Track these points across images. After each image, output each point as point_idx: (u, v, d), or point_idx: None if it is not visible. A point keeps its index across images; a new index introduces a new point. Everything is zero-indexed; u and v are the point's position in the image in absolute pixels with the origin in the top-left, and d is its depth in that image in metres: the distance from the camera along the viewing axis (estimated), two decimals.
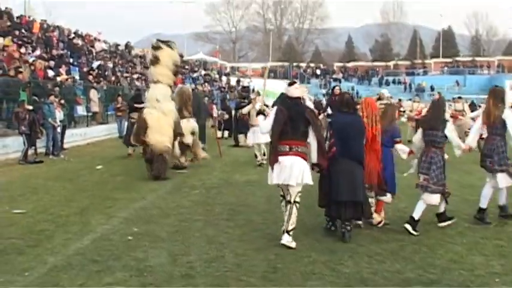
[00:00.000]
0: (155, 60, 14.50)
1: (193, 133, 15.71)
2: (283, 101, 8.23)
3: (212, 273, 6.61)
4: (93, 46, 39.40)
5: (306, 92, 23.03)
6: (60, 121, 19.26)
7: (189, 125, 15.62)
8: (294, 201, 7.91)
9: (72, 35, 37.68)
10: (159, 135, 13.81)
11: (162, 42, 14.86)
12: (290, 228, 7.75)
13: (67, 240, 8.16)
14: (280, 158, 7.80)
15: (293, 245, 7.64)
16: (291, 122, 7.85)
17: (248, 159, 17.47)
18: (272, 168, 7.95)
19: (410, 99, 32.70)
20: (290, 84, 8.28)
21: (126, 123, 21.59)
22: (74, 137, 22.53)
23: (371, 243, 8.01)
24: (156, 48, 14.63)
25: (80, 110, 24.88)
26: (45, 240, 8.13)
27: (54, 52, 30.17)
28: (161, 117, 14.04)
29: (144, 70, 40.36)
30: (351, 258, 7.22)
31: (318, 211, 9.85)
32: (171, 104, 14.61)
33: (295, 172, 7.74)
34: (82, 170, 15.52)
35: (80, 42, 37.22)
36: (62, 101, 20.07)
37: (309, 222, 9.24)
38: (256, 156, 16.47)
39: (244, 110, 19.30)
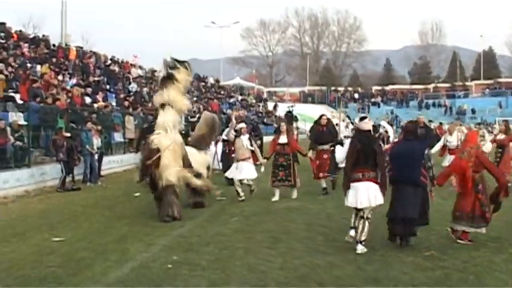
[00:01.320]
0: (170, 81, 13.05)
1: (208, 168, 15.15)
2: (356, 134, 9.87)
3: None
4: (129, 72, 39.99)
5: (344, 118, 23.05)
6: (98, 148, 19.50)
7: (205, 158, 15.24)
8: (367, 217, 9.24)
9: (109, 62, 38.37)
10: (172, 166, 12.48)
11: (179, 62, 13.40)
12: (363, 238, 9.11)
13: (107, 268, 8.24)
14: (354, 184, 9.19)
15: (364, 251, 9.02)
16: (363, 153, 9.19)
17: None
18: (345, 193, 9.46)
19: (452, 123, 32.42)
20: (361, 119, 9.73)
21: None
22: (111, 164, 22.76)
23: (415, 270, 7.92)
24: (172, 67, 13.17)
25: (117, 137, 25.16)
26: (85, 268, 8.22)
27: (91, 79, 30.69)
28: (174, 146, 12.71)
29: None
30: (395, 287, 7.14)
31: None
32: (178, 134, 13.48)
33: (370, 195, 9.12)
34: (120, 197, 15.68)
35: (116, 68, 37.85)
36: (99, 128, 20.32)
37: (350, 250, 9.17)
38: (238, 192, 15.01)
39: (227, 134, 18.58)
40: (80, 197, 16.07)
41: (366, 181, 9.14)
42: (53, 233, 10.72)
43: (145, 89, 36.98)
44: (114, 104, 29.22)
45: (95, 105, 25.19)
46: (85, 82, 29.21)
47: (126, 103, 29.61)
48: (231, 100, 56.47)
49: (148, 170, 12.45)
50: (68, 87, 24.80)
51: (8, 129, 17.32)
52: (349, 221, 10.10)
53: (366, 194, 9.11)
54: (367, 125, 9.56)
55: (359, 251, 8.97)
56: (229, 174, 15.55)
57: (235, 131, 16.03)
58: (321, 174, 15.86)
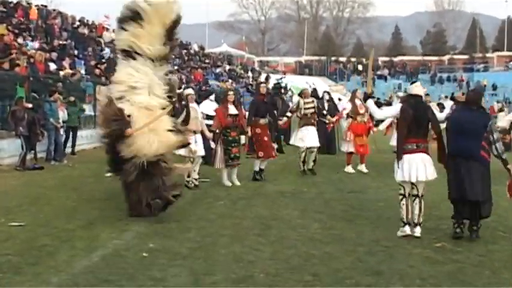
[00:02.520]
0: (135, 17, 10.84)
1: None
2: (407, 98, 10.09)
3: None
4: (101, 36, 39.77)
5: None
6: (64, 122, 19.44)
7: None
8: (422, 195, 9.54)
9: (77, 23, 38.10)
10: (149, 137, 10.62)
11: None
12: (421, 220, 9.44)
13: (73, 257, 8.22)
14: (408, 156, 9.38)
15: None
16: (415, 120, 9.39)
17: (280, 167, 17.48)
18: (398, 165, 9.54)
19: None
20: (412, 83, 10.10)
21: None
22: (80, 140, 22.64)
23: (424, 264, 7.98)
24: None
25: (87, 110, 25.01)
26: (47, 257, 8.20)
27: (56, 42, 30.47)
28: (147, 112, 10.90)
29: None
30: (400, 281, 7.19)
31: (360, 227, 9.94)
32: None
33: (427, 168, 9.37)
34: (89, 178, 15.66)
35: (86, 31, 37.60)
36: (73, 99, 20.26)
37: (350, 240, 9.24)
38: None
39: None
40: (42, 177, 16.02)
41: (420, 152, 9.39)
42: (10, 218, 10.68)
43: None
44: (83, 71, 29.08)
45: (61, 72, 25.06)
46: (49, 46, 29.01)
47: (98, 71, 29.47)
48: (218, 70, 56.28)
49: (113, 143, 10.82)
50: (29, 52, 24.59)
51: None
52: (350, 207, 10.21)
53: (423, 167, 9.34)
54: (419, 89, 9.79)
55: (418, 234, 9.29)
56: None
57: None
58: (260, 153, 15.24)
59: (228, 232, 9.67)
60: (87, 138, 23.60)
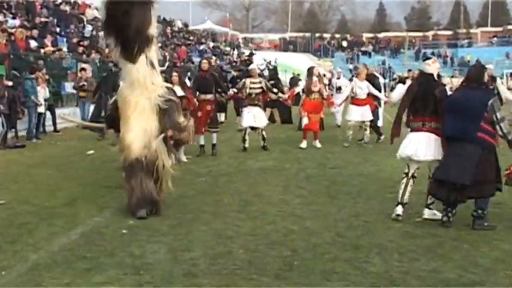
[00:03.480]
0: None
1: None
2: (417, 76, 10.03)
3: (218, 271, 6.64)
4: (83, 13, 39.41)
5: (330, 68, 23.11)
6: (45, 100, 19.34)
7: None
8: (415, 176, 9.38)
9: (59, 1, 37.73)
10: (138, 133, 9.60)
11: None
12: (406, 200, 9.25)
13: (52, 234, 8.22)
14: (413, 134, 9.23)
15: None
16: (421, 98, 9.13)
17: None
18: (391, 142, 9.72)
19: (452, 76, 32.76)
20: (425, 60, 9.91)
21: (90, 108, 20.87)
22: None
23: (403, 238, 8.01)
24: None
25: (69, 87, 24.85)
26: (27, 234, 8.19)
27: (37, 20, 30.19)
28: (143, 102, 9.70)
29: None
30: (378, 255, 7.21)
31: (341, 202, 9.98)
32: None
33: (435, 148, 9.05)
34: (71, 156, 15.60)
35: (67, 8, 37.23)
36: (47, 77, 20.13)
37: (331, 215, 9.26)
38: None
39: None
40: (24, 155, 15.95)
41: (427, 131, 9.11)
42: None
43: (102, 33, 36.39)
44: (65, 49, 28.89)
45: (42, 50, 24.89)
46: (30, 24, 28.77)
47: (80, 49, 29.29)
48: (201, 47, 56.06)
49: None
50: (9, 29, 24.37)
51: None
52: (331, 182, 10.23)
53: (431, 146, 9.06)
54: (430, 67, 9.36)
55: (399, 212, 9.06)
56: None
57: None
58: (202, 129, 15.10)
59: (209, 209, 9.66)
60: (69, 116, 23.41)
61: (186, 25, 63.71)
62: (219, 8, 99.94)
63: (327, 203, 10.08)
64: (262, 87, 16.28)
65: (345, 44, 75.15)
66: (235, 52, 63.56)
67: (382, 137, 17.81)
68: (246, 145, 16.24)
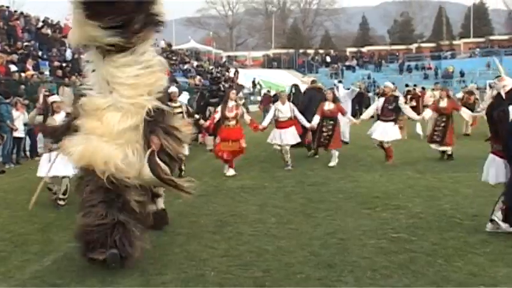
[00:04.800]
0: None
1: None
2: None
3: None
4: (65, 36, 39.30)
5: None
6: (25, 124, 19.23)
7: None
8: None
9: (41, 24, 37.65)
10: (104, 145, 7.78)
11: None
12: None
13: (24, 261, 8.16)
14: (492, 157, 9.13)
15: None
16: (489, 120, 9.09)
17: (243, 162, 17.31)
18: None
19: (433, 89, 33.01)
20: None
21: None
22: (43, 141, 22.42)
23: (377, 255, 7.97)
24: None
25: None
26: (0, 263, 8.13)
27: (19, 44, 30.13)
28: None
29: None
30: (351, 273, 7.19)
31: (318, 220, 9.95)
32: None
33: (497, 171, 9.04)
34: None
35: (49, 32, 37.18)
36: (26, 102, 20.04)
37: (306, 234, 9.21)
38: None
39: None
40: (3, 181, 15.85)
41: (492, 154, 9.11)
42: None
43: (83, 56, 36.21)
44: (47, 73, 28.81)
45: (23, 74, 24.82)
46: (12, 48, 28.71)
47: (60, 72, 29.18)
48: (185, 66, 56.06)
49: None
50: None
51: None
52: (309, 200, 10.18)
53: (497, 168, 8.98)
54: (497, 85, 9.28)
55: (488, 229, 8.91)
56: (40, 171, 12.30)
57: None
58: None
59: (185, 230, 9.61)
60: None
61: (169, 45, 63.67)
62: (203, 27, 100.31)
63: (303, 221, 10.03)
64: (182, 112, 15.21)
65: (328, 59, 75.34)
66: (220, 70, 63.52)
67: None
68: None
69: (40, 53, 31.93)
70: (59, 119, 11.56)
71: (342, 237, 8.94)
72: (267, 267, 7.52)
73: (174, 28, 77.31)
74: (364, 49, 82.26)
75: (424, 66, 71.49)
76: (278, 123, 16.57)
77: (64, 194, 12.13)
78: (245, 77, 60.43)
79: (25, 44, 31.02)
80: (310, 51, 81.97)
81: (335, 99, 17.16)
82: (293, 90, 20.16)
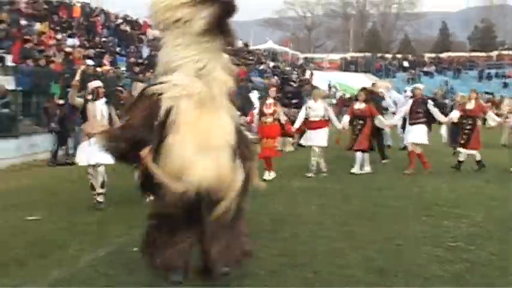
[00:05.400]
0: None
1: None
2: None
3: None
4: (144, 34, 39.93)
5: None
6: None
7: None
8: None
9: (120, 21, 38.34)
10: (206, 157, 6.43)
11: None
12: None
13: (79, 251, 8.29)
14: None
15: None
16: None
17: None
18: None
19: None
20: None
21: None
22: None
23: (431, 263, 7.76)
24: None
25: None
26: (56, 251, 8.29)
27: (97, 40, 30.72)
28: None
29: None
30: (402, 280, 7.01)
31: (377, 224, 9.79)
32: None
33: None
34: (119, 173, 15.64)
35: (128, 28, 37.81)
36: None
37: (361, 236, 9.06)
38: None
39: None
40: (72, 172, 16.04)
41: None
42: (29, 212, 10.79)
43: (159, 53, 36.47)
44: (123, 68, 29.29)
45: (99, 69, 25.25)
46: (90, 43, 29.29)
47: (137, 69, 29.59)
48: (261, 67, 56.14)
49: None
50: (68, 49, 24.82)
51: None
52: (371, 204, 10.05)
53: None
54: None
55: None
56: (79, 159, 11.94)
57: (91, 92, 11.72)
58: None
59: None
60: None
61: (246, 45, 63.93)
62: (281, 28, 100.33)
63: (361, 224, 9.87)
64: None
65: (406, 64, 74.29)
66: (296, 71, 63.37)
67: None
68: None
69: (118, 49, 32.48)
70: (99, 104, 11.49)
71: (399, 242, 8.74)
72: (319, 268, 7.42)
73: (254, 29, 77.75)
74: (443, 55, 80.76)
75: (504, 75, 69.73)
76: (309, 123, 15.84)
77: (102, 186, 11.70)
78: (321, 80, 60.04)
79: (103, 39, 31.59)
80: (388, 56, 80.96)
81: (367, 100, 16.41)
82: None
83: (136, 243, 8.49)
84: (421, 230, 9.46)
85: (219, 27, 6.68)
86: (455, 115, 16.44)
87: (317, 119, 15.66)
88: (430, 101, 16.61)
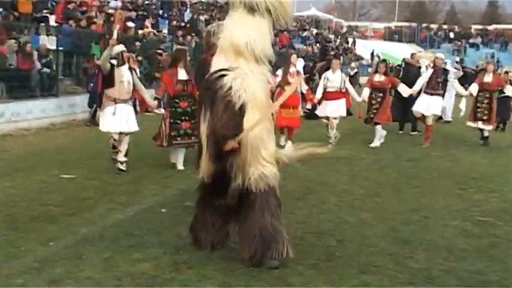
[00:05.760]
0: None
1: None
2: None
3: None
4: None
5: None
6: None
7: None
8: None
9: None
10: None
11: None
12: None
13: (109, 210, 8.45)
14: None
15: None
16: None
17: (347, 132, 16.99)
18: None
19: None
20: None
21: None
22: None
23: (457, 236, 7.75)
24: None
25: None
26: (85, 209, 8.45)
27: (140, 2, 30.80)
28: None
29: None
30: (425, 252, 7.01)
31: (406, 196, 9.78)
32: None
33: None
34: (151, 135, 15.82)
35: None
36: (140, 58, 20.50)
37: (389, 207, 9.08)
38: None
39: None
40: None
41: None
42: (65, 170, 11.00)
43: (202, 17, 36.43)
44: (165, 31, 29.38)
45: (140, 31, 25.39)
46: (133, 5, 29.41)
47: (180, 32, 29.58)
48: (304, 34, 55.84)
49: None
50: (110, 10, 24.96)
51: (35, 53, 17.66)
52: (402, 175, 10.04)
53: None
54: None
55: None
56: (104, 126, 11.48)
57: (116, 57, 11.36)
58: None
59: None
60: None
61: None
62: None
63: (391, 195, 9.88)
64: None
65: (452, 35, 73.15)
66: (339, 39, 62.88)
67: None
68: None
69: (160, 12, 32.53)
70: (124, 69, 11.23)
71: (426, 215, 8.74)
72: (342, 237, 7.46)
73: None
74: (491, 27, 79.23)
75: None
76: (326, 94, 15.48)
77: (126, 155, 11.42)
78: (364, 49, 59.63)
79: (146, 2, 31.66)
80: (434, 26, 79.69)
81: (386, 72, 16.08)
82: (403, 65, 19.70)
83: (165, 205, 8.74)
84: (450, 203, 9.46)
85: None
86: (474, 89, 16.06)
87: (333, 90, 15.42)
88: (451, 71, 16.34)
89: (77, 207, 8.53)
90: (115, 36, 11.03)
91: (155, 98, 12.54)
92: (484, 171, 12.32)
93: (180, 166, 11.75)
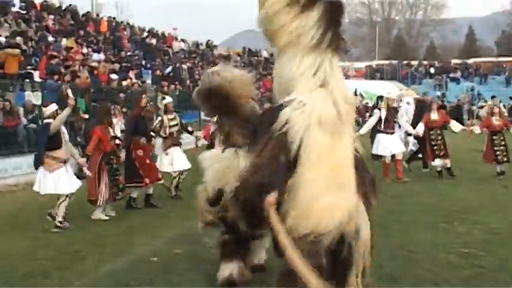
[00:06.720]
0: None
1: None
2: None
3: None
4: (170, 46, 40.31)
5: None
6: (122, 131, 19.90)
7: None
8: None
9: (146, 34, 38.76)
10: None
11: None
12: None
13: (101, 262, 8.57)
14: None
15: None
16: None
17: None
18: None
19: None
20: None
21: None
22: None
23: (442, 269, 7.91)
24: None
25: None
26: (78, 261, 8.59)
27: (123, 54, 31.09)
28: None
29: None
30: (413, 286, 7.19)
31: (392, 232, 9.92)
32: None
33: None
34: None
35: (154, 42, 38.20)
36: (124, 109, 20.72)
37: (376, 245, 9.18)
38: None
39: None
40: None
41: None
42: (53, 224, 11.07)
43: (185, 66, 36.64)
44: (149, 81, 29.64)
45: (124, 83, 25.64)
46: (116, 58, 29.70)
47: (164, 82, 29.77)
48: None
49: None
50: (93, 64, 25.23)
51: (21, 110, 17.85)
52: (387, 212, 10.16)
53: None
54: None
55: None
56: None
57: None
58: (147, 180, 12.88)
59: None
60: None
61: (271, 55, 64.14)
62: None
63: (377, 232, 10.01)
64: (177, 124, 14.23)
65: (432, 70, 73.89)
66: None
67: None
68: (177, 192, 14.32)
69: (143, 62, 32.86)
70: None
71: (412, 249, 8.90)
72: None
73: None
74: (470, 61, 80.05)
75: None
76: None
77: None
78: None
79: (129, 54, 31.98)
80: (414, 63, 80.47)
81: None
82: (379, 103, 19.98)
83: (159, 253, 8.88)
84: (435, 237, 9.61)
85: (332, 31, 6.06)
86: (420, 128, 16.35)
87: None
88: (401, 110, 16.77)
89: (68, 260, 8.67)
90: (71, 95, 11.42)
91: (85, 155, 12.66)
92: (467, 204, 12.50)
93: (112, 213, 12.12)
